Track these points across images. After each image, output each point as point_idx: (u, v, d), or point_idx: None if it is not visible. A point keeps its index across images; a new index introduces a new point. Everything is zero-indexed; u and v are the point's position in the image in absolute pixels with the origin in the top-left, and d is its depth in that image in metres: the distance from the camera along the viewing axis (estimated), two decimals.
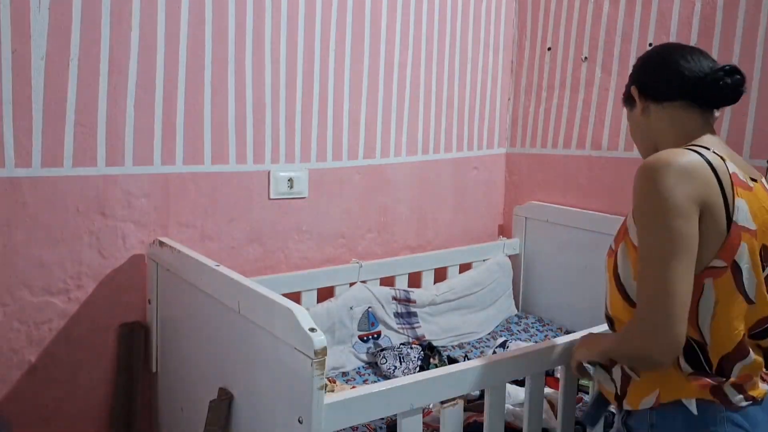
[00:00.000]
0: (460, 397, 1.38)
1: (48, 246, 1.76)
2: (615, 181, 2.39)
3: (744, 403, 1.16)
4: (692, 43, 2.11)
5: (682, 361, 1.17)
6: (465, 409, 1.64)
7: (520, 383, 1.75)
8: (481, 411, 1.51)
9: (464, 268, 2.60)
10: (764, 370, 1.24)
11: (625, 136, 2.34)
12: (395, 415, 1.31)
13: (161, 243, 1.81)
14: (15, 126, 1.67)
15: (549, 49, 2.62)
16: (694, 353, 1.17)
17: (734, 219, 1.12)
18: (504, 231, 2.83)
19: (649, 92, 1.27)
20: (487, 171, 2.77)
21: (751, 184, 1.18)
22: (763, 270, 1.19)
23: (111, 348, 1.89)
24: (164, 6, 1.86)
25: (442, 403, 1.36)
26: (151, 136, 1.89)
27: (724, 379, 1.16)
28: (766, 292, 1.19)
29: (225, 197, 2.05)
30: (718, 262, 1.12)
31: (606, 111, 2.40)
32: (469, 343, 2.43)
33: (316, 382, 1.17)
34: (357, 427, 1.71)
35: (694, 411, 1.15)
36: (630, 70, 1.34)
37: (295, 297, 2.08)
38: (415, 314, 2.38)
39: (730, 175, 1.14)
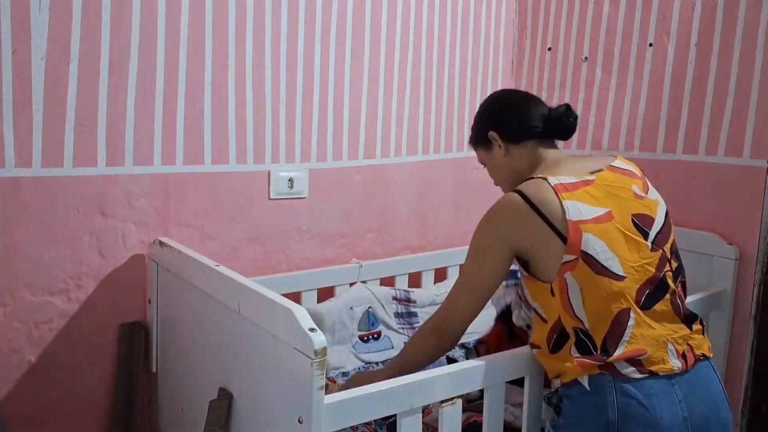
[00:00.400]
0: (458, 397, 1.38)
1: (48, 246, 1.76)
2: None
3: (637, 375, 1.28)
4: (693, 44, 2.12)
5: (573, 350, 1.33)
6: (465, 410, 1.64)
7: (519, 383, 1.75)
8: (481, 411, 1.51)
9: None
10: (686, 345, 1.33)
11: (624, 136, 2.34)
12: (395, 415, 1.31)
13: (161, 243, 1.81)
14: (15, 126, 1.67)
15: (549, 49, 2.62)
16: (582, 340, 1.32)
17: (568, 218, 1.29)
18: None
19: (508, 136, 1.49)
20: None
21: (591, 177, 1.36)
22: (646, 237, 1.34)
23: (111, 348, 1.89)
24: (164, 6, 1.86)
25: (441, 402, 1.36)
26: (151, 136, 1.89)
27: (606, 357, 1.29)
28: (642, 259, 1.32)
29: (225, 197, 2.05)
30: (569, 257, 1.29)
31: (606, 111, 2.40)
32: (469, 343, 2.42)
33: (316, 382, 1.17)
34: (357, 427, 1.71)
35: (587, 387, 1.30)
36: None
37: (296, 297, 2.08)
38: (415, 314, 2.38)
39: (552, 187, 1.32)
